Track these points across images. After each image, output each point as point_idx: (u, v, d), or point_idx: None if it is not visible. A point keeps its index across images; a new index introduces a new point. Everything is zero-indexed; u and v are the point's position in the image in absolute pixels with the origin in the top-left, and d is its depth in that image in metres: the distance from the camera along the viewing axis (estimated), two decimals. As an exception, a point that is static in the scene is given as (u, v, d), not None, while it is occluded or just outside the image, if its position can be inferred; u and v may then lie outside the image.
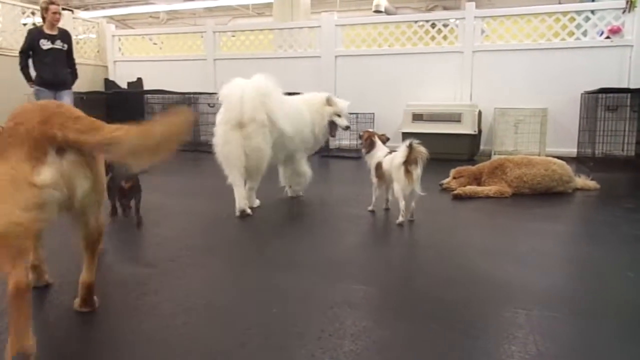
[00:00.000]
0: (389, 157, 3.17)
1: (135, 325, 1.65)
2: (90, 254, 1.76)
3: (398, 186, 2.98)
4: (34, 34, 5.92)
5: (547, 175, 3.92)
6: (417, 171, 2.97)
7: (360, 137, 3.54)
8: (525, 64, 6.58)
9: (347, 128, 3.92)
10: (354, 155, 6.48)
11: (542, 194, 3.91)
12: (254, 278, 2.14)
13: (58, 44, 5.91)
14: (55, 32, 5.93)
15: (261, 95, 3.18)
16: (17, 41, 7.67)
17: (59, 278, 2.05)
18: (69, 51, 6.10)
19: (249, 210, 3.14)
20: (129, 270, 2.21)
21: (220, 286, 2.01)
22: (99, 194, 1.71)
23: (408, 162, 2.94)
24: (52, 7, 5.74)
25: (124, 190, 3.05)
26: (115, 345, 1.52)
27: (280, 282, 2.09)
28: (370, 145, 3.38)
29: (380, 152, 3.32)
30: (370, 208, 3.31)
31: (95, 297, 1.78)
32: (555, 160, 4.07)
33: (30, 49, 5.89)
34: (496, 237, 2.84)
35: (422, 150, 2.99)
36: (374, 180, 3.29)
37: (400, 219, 2.97)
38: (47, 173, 1.48)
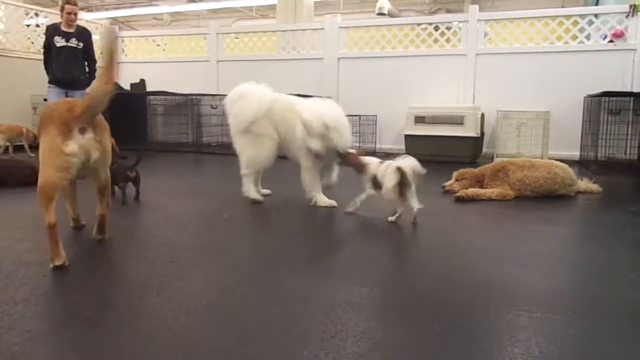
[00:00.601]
0: (382, 167, 3.11)
1: (136, 326, 1.65)
2: (101, 196, 2.57)
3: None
4: (50, 31, 5.90)
5: (550, 178, 3.91)
6: (411, 190, 2.98)
7: (342, 161, 3.39)
8: (528, 67, 6.59)
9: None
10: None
11: (545, 197, 3.90)
12: (256, 279, 2.13)
13: (73, 42, 5.84)
14: (71, 30, 5.86)
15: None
16: (20, 42, 7.72)
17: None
18: (87, 50, 6.01)
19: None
20: (131, 270, 2.21)
21: (221, 287, 2.01)
22: (106, 160, 2.45)
23: (400, 185, 2.93)
24: (67, 7, 5.74)
25: (129, 178, 3.63)
26: (117, 346, 1.51)
27: (281, 283, 2.08)
28: (361, 167, 3.25)
29: (372, 165, 3.23)
30: (351, 210, 3.27)
31: (106, 228, 2.63)
32: (558, 163, 4.07)
33: (47, 45, 5.88)
34: (498, 240, 2.83)
35: (411, 173, 2.96)
36: (371, 191, 3.22)
37: (392, 218, 3.06)
38: (72, 145, 2.21)
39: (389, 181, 2.95)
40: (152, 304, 1.83)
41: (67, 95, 5.75)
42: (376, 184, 3.15)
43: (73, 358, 1.42)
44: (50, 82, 5.87)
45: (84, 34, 5.97)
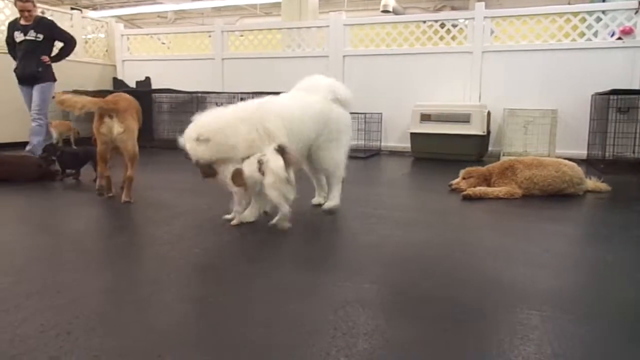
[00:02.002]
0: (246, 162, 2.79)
1: (148, 322, 1.65)
2: (130, 163, 3.56)
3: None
4: (11, 26, 5.67)
5: (558, 177, 3.89)
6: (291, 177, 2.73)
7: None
8: (536, 64, 6.55)
9: None
10: (362, 156, 6.48)
11: (553, 196, 3.88)
12: (265, 276, 2.13)
13: (31, 35, 5.50)
14: (29, 23, 5.51)
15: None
16: (28, 39, 7.71)
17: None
18: (55, 38, 5.67)
19: None
20: (141, 267, 2.22)
21: (230, 284, 2.01)
22: (129, 136, 3.52)
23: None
24: (18, 4, 5.47)
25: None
26: (129, 343, 1.52)
27: (291, 281, 2.08)
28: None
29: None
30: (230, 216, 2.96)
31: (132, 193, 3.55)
32: (566, 161, 4.05)
33: (9, 42, 5.65)
34: (507, 238, 2.82)
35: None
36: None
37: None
38: (104, 127, 3.47)
39: (275, 161, 2.67)
40: (163, 300, 1.83)
41: (32, 91, 5.58)
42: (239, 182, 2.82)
43: (86, 351, 1.42)
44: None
45: (42, 24, 5.56)
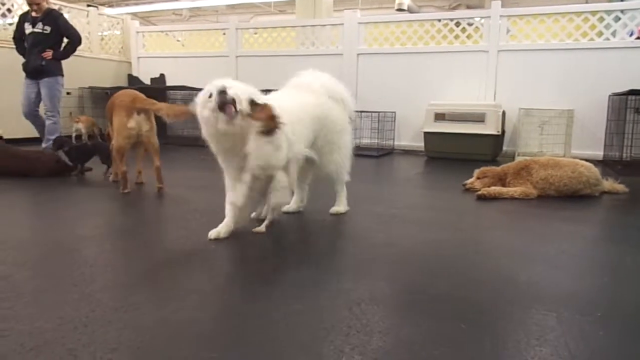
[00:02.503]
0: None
1: (164, 316, 1.66)
2: (155, 155, 3.86)
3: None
4: (22, 17, 5.63)
5: (574, 178, 3.84)
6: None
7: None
8: (552, 64, 6.48)
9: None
10: (374, 154, 6.46)
11: (569, 197, 3.84)
12: (278, 273, 2.14)
13: (38, 27, 5.44)
14: (38, 15, 5.44)
15: None
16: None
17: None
18: (61, 32, 5.55)
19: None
20: (157, 261, 2.23)
21: (245, 280, 2.02)
22: (153, 131, 3.82)
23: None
24: None
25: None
26: (146, 336, 1.53)
27: (304, 278, 2.08)
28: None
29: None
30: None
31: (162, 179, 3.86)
32: (583, 162, 4.00)
33: (19, 33, 5.61)
34: (522, 239, 2.80)
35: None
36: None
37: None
38: (132, 122, 3.67)
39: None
40: (179, 295, 1.85)
41: (38, 85, 5.53)
42: None
43: (103, 343, 1.44)
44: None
45: (50, 17, 5.48)
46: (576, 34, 6.43)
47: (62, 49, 5.68)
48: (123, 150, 3.73)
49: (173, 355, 1.42)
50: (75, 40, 5.68)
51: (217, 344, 1.49)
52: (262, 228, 2.66)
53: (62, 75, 5.72)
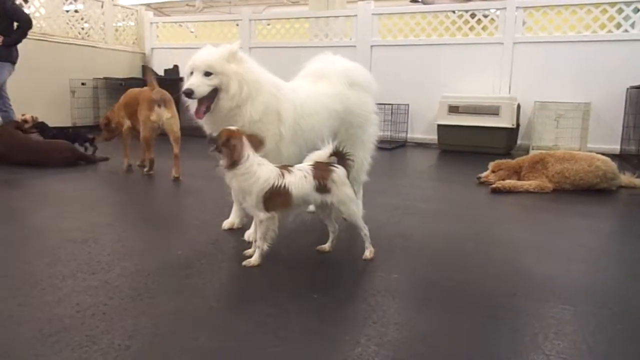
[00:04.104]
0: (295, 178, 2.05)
1: (180, 305, 1.68)
2: (176, 143, 4.09)
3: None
4: None
5: (591, 172, 3.79)
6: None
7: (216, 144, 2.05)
8: (569, 56, 6.38)
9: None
10: (387, 147, 6.43)
11: (585, 191, 3.79)
12: (294, 265, 2.14)
13: None
14: None
15: None
16: (60, 27, 7.88)
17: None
18: (4, 19, 5.24)
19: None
20: (172, 250, 2.25)
21: (260, 270, 2.02)
22: (174, 120, 4.07)
23: None
24: None
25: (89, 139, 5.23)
26: (163, 324, 1.54)
27: (320, 269, 2.09)
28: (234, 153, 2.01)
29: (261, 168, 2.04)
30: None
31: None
32: (599, 156, 3.94)
33: None
34: (538, 232, 2.77)
35: None
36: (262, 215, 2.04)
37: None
38: (154, 115, 3.95)
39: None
40: (195, 284, 1.86)
41: None
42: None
43: (121, 330, 1.45)
44: None
45: None
46: (594, 26, 6.32)
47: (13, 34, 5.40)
48: (149, 139, 4.10)
49: (189, 344, 1.43)
50: (25, 24, 5.41)
51: (233, 332, 1.50)
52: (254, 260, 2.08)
53: (11, 62, 5.44)
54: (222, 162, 2.01)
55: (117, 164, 4.57)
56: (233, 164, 1.99)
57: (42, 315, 1.57)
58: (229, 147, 1.98)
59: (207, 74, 2.30)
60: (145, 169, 4.26)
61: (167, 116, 4.02)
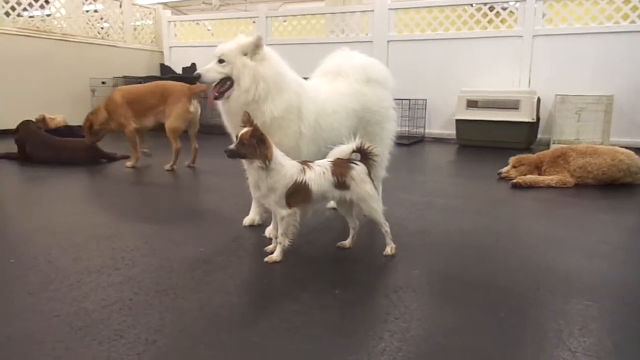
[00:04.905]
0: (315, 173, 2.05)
1: (203, 300, 1.70)
2: (194, 138, 4.53)
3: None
4: None
5: (614, 166, 3.73)
6: None
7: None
8: (590, 48, 6.26)
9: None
10: (405, 142, 6.40)
11: (608, 185, 3.73)
12: (315, 260, 2.15)
13: None
14: None
15: None
16: (80, 27, 8.00)
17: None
18: None
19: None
20: (195, 248, 2.28)
21: (281, 266, 2.04)
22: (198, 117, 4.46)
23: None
24: None
25: None
26: (187, 320, 1.57)
27: (341, 266, 2.10)
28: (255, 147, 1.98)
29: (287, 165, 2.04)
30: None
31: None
32: (623, 149, 3.87)
33: None
34: (560, 228, 2.74)
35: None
36: (284, 212, 2.05)
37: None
38: (191, 107, 4.29)
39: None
40: (217, 280, 1.88)
41: None
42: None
43: (147, 325, 1.48)
44: None
45: None
46: (616, 17, 6.19)
47: None
48: (179, 131, 4.33)
49: (214, 339, 1.45)
50: None
51: (256, 328, 1.52)
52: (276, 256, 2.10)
53: None
54: (257, 161, 1.98)
55: (139, 162, 4.63)
56: (267, 161, 1.98)
57: (70, 310, 1.60)
58: (262, 145, 1.97)
59: (221, 61, 2.35)
60: (170, 164, 4.33)
61: (199, 111, 4.41)
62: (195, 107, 4.33)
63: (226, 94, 2.37)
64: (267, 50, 2.39)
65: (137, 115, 4.38)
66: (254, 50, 2.33)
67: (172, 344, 1.41)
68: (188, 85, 4.36)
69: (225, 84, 2.36)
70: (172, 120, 4.27)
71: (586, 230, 2.68)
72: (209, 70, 2.36)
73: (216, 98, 2.40)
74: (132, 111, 4.37)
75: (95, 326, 1.50)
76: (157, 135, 4.70)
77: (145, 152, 4.67)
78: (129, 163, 4.50)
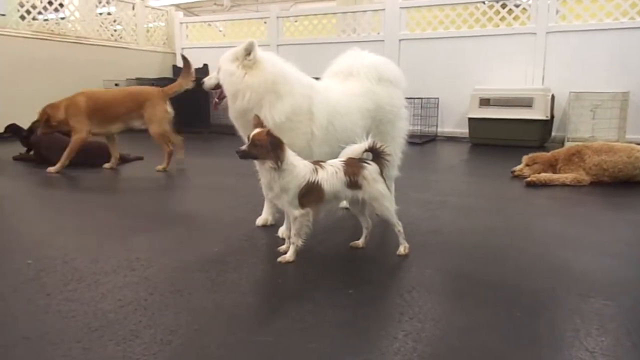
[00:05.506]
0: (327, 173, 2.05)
1: (218, 300, 1.71)
2: (169, 140, 4.51)
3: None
4: None
5: (630, 163, 3.68)
6: None
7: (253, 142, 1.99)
8: (605, 45, 6.18)
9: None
10: (418, 141, 6.38)
11: (624, 183, 3.68)
12: (328, 260, 2.15)
13: None
14: None
15: None
16: (94, 30, 8.08)
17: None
18: None
19: None
20: (208, 249, 2.29)
21: (295, 266, 2.04)
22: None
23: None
24: None
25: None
26: (202, 320, 1.58)
27: (354, 265, 2.09)
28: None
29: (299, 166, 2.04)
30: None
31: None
32: (639, 147, 3.81)
33: None
34: (575, 226, 2.71)
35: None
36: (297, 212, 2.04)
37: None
38: (169, 108, 4.40)
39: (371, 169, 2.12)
40: (231, 280, 1.89)
41: None
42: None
43: (162, 325, 1.49)
44: None
45: None
46: (632, 12, 6.10)
47: None
48: (167, 133, 4.41)
49: (229, 338, 1.45)
50: None
51: (270, 328, 1.52)
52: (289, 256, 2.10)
53: None
54: (268, 163, 1.98)
55: (151, 163, 4.67)
56: (279, 162, 1.97)
57: (87, 310, 1.62)
58: (276, 147, 1.96)
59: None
60: (162, 166, 4.37)
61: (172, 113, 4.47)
62: (169, 108, 4.41)
63: (224, 101, 2.44)
64: (262, 56, 2.34)
65: (102, 121, 4.29)
66: (244, 56, 2.30)
67: (188, 344, 1.42)
68: (159, 88, 4.50)
69: (222, 91, 2.41)
70: (156, 126, 4.35)
71: (602, 228, 2.65)
72: (210, 77, 2.46)
73: (216, 104, 2.51)
74: (96, 118, 4.26)
75: (111, 326, 1.51)
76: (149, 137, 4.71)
77: (112, 165, 4.53)
78: (52, 169, 4.26)
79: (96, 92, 4.55)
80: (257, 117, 2.07)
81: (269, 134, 1.97)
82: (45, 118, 4.30)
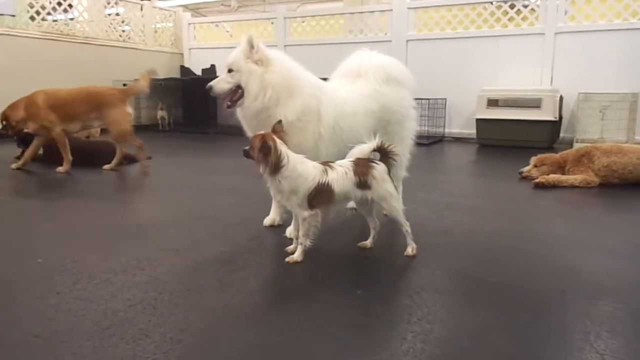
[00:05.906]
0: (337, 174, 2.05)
1: (228, 299, 1.72)
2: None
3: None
4: None
5: (640, 164, 3.66)
6: None
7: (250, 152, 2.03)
8: (614, 45, 6.14)
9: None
10: (425, 142, 6.36)
11: (633, 185, 3.66)
12: (336, 260, 2.16)
13: None
14: None
15: None
16: (102, 30, 8.13)
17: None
18: None
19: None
20: (217, 248, 2.30)
21: (303, 266, 2.05)
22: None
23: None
24: None
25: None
26: (211, 320, 1.58)
27: (362, 266, 2.09)
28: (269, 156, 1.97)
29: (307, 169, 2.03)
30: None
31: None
32: (649, 148, 3.79)
33: None
34: (584, 228, 2.69)
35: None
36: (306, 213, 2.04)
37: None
38: (129, 109, 4.39)
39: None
40: (240, 280, 1.90)
41: None
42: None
43: (172, 325, 1.50)
44: None
45: None
46: (642, 13, 6.06)
47: None
48: (129, 131, 4.43)
49: (238, 338, 1.46)
50: None
51: (279, 328, 1.53)
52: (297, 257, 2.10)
53: None
54: (262, 169, 1.98)
55: (158, 164, 4.69)
56: (275, 169, 1.97)
57: (97, 309, 1.63)
58: (265, 154, 1.95)
59: (230, 70, 2.38)
60: (123, 163, 4.48)
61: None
62: (129, 109, 4.43)
63: (239, 102, 2.40)
64: (272, 54, 2.38)
65: (60, 119, 4.26)
66: (250, 51, 2.32)
67: (197, 343, 1.43)
68: (119, 88, 4.65)
69: (237, 92, 2.39)
70: (116, 126, 4.36)
71: (611, 230, 2.63)
72: (219, 81, 2.41)
73: (229, 107, 2.45)
74: (54, 116, 4.23)
75: (121, 325, 1.52)
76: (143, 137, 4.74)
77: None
78: (61, 168, 4.30)
79: (54, 91, 4.43)
80: (279, 124, 2.06)
81: (262, 139, 1.95)
82: (4, 118, 4.32)
